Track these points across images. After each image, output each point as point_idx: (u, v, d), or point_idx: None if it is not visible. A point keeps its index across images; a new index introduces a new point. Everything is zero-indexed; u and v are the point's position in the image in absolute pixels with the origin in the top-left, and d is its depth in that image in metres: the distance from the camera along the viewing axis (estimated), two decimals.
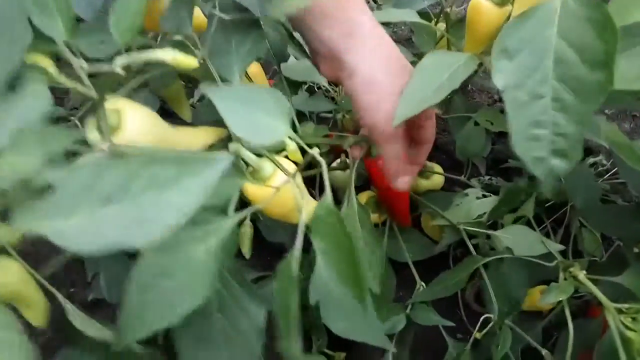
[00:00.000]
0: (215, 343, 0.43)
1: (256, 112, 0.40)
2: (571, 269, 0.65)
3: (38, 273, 0.45)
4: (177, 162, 0.25)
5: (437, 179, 0.90)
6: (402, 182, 0.59)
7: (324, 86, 0.86)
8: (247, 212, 0.43)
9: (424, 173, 0.89)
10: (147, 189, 0.24)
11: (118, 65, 0.37)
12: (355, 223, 0.58)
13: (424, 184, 0.89)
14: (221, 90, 0.41)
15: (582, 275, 0.64)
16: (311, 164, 0.50)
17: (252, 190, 0.49)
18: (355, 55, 0.53)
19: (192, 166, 0.25)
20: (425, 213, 0.90)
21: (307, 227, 0.42)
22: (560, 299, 0.63)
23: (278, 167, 0.48)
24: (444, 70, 0.55)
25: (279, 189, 0.46)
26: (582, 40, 0.37)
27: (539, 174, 0.40)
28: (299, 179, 0.55)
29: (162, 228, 0.23)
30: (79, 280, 0.89)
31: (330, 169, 0.84)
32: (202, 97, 1.01)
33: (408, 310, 0.71)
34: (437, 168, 0.91)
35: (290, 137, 0.44)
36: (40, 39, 0.39)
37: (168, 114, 0.93)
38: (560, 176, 0.40)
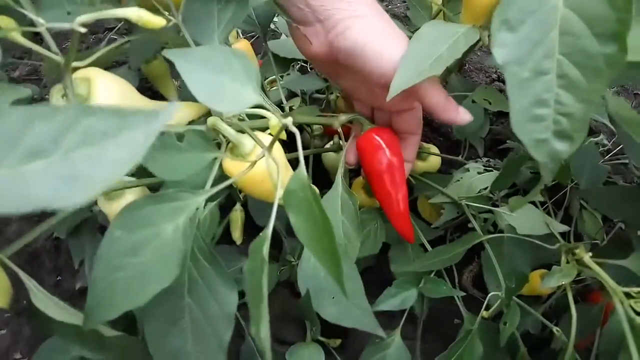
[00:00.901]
0: (182, 329, 0.41)
1: (222, 77, 0.37)
2: (576, 252, 0.63)
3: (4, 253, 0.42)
4: (116, 115, 0.22)
5: (434, 161, 0.87)
6: (461, 112, 0.57)
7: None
8: (219, 188, 0.41)
9: (420, 154, 0.86)
10: (82, 143, 0.21)
11: (80, 22, 0.33)
12: (337, 206, 0.55)
13: (421, 165, 0.86)
14: (184, 52, 0.37)
15: (587, 257, 0.62)
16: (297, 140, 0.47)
17: (228, 165, 0.47)
18: (351, 4, 0.50)
19: (133, 119, 0.22)
20: (421, 196, 0.87)
21: None
22: (563, 282, 0.61)
23: (255, 140, 0.45)
24: (444, 40, 0.51)
25: (254, 163, 0.44)
26: (592, 8, 0.34)
27: (539, 157, 0.37)
28: (278, 153, 0.52)
29: (97, 185, 0.20)
30: (67, 268, 0.87)
31: (323, 150, 0.81)
32: None
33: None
34: (434, 149, 0.88)
35: (261, 106, 0.41)
36: None
37: (156, 96, 0.90)
38: (562, 160, 0.37)
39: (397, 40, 0.52)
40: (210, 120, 0.44)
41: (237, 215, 0.82)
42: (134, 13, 0.34)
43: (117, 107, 0.22)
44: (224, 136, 0.46)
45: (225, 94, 0.37)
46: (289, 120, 0.38)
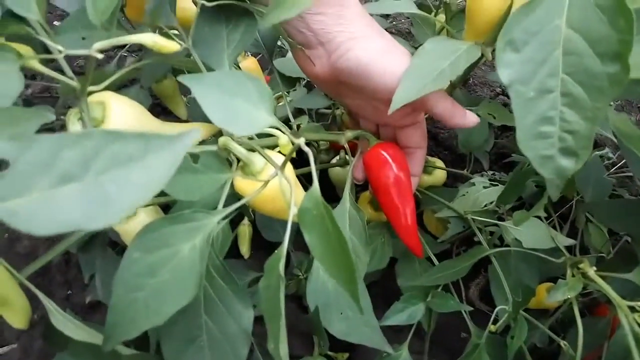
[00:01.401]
0: (200, 346, 0.42)
1: (236, 100, 0.38)
2: (580, 266, 0.63)
3: (23, 273, 0.43)
4: (141, 139, 0.23)
5: (440, 175, 0.88)
6: (468, 116, 0.58)
7: None
8: (233, 208, 0.41)
9: (426, 168, 0.87)
10: (110, 167, 0.22)
11: (96, 48, 0.35)
12: (345, 222, 0.56)
13: (426, 179, 0.87)
14: (199, 77, 0.39)
15: (592, 271, 0.62)
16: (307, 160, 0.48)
17: (240, 184, 0.48)
18: (351, 26, 0.51)
19: (157, 142, 0.23)
20: (427, 210, 0.88)
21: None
22: (569, 296, 0.61)
23: (267, 160, 0.46)
24: (446, 56, 0.52)
25: (267, 183, 0.45)
26: (594, 29, 0.35)
27: (546, 173, 0.38)
28: (289, 172, 0.53)
29: (125, 208, 0.21)
30: (77, 282, 0.88)
31: (329, 165, 0.82)
32: None
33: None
34: (439, 163, 0.88)
35: (274, 128, 0.42)
36: (12, 19, 0.37)
37: (165, 111, 0.92)
38: (568, 176, 0.37)
39: (400, 56, 0.53)
40: (221, 140, 0.45)
41: (245, 229, 0.82)
42: (149, 39, 0.35)
43: (141, 132, 0.23)
44: (235, 155, 0.47)
45: (240, 117, 0.38)
46: (301, 141, 0.39)
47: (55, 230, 0.20)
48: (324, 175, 0.89)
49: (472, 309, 0.71)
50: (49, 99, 0.96)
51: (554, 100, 0.37)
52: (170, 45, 0.36)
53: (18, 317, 0.41)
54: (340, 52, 0.52)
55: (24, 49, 0.39)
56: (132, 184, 0.22)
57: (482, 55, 0.67)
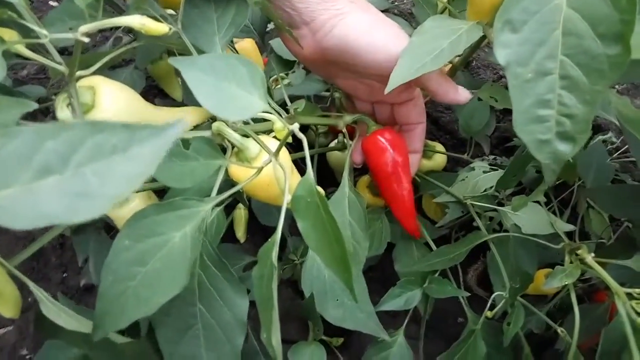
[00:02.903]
0: (195, 335, 0.41)
1: (228, 84, 0.37)
2: (578, 252, 0.62)
3: (16, 259, 0.43)
4: (125, 129, 0.22)
5: (440, 159, 0.87)
6: (460, 92, 0.56)
7: None
8: (226, 195, 0.41)
9: (426, 153, 0.86)
10: (92, 158, 0.21)
11: (82, 31, 0.34)
12: (344, 208, 0.55)
13: (426, 164, 0.86)
14: (190, 60, 0.37)
15: (589, 258, 0.62)
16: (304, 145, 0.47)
17: (234, 170, 0.47)
18: (335, 4, 0.50)
19: (142, 133, 0.22)
20: (426, 195, 0.87)
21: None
22: (566, 282, 0.60)
23: (261, 145, 0.45)
24: (446, 35, 0.51)
25: (261, 169, 0.44)
26: (595, 9, 0.33)
27: (542, 158, 0.37)
28: (284, 158, 0.52)
29: (108, 200, 0.20)
30: (72, 265, 0.88)
31: (328, 149, 0.81)
32: None
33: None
34: (440, 147, 0.87)
35: (266, 112, 0.41)
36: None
37: (161, 93, 0.90)
38: (564, 161, 0.36)
39: (389, 30, 0.51)
40: (215, 125, 0.44)
41: (240, 213, 0.82)
42: (137, 21, 0.34)
43: (126, 122, 0.22)
44: (229, 141, 0.46)
45: (232, 102, 0.36)
46: (295, 127, 0.38)
47: (34, 224, 0.20)
48: (322, 159, 0.88)
49: (469, 294, 0.70)
50: (44, 80, 0.95)
51: (552, 82, 0.35)
52: (159, 28, 0.35)
53: (8, 307, 0.41)
54: (325, 30, 0.51)
55: (9, 34, 0.38)
56: (115, 176, 0.21)
57: (485, 36, 0.65)
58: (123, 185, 0.21)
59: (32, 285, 0.38)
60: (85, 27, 0.33)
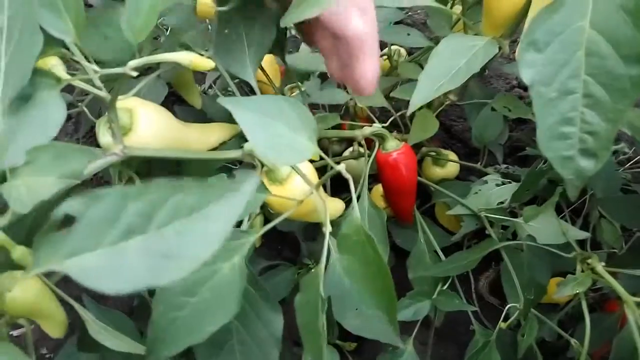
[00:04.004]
0: (231, 351, 0.43)
1: (280, 128, 0.37)
2: (589, 261, 0.63)
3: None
4: (202, 189, 0.23)
5: (452, 168, 0.88)
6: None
7: None
8: (269, 227, 0.42)
9: (439, 161, 0.87)
10: (172, 219, 0.22)
11: (131, 67, 0.35)
12: (364, 222, 0.56)
13: (439, 172, 0.87)
14: (241, 103, 0.38)
15: (600, 267, 0.63)
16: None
17: (273, 201, 0.48)
18: None
19: (217, 192, 0.23)
20: (439, 203, 0.88)
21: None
22: (577, 291, 0.61)
23: (299, 174, 0.46)
24: (462, 54, 0.52)
25: (302, 202, 0.45)
26: (617, 31, 0.34)
27: (565, 174, 0.38)
28: (311, 173, 0.54)
29: (189, 261, 0.21)
30: None
31: (343, 158, 0.82)
32: (212, 85, 0.99)
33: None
34: (452, 156, 0.88)
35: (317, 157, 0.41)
36: (49, 42, 0.36)
37: (180, 100, 0.92)
38: (587, 177, 0.38)
39: None
40: (247, 146, 0.45)
41: (256, 220, 0.83)
42: (186, 58, 0.35)
43: (202, 182, 0.23)
44: (259, 160, 0.47)
45: (285, 146, 0.37)
46: (342, 167, 0.40)
47: (126, 288, 0.21)
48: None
49: (476, 309, 0.72)
50: (65, 87, 0.96)
51: (575, 101, 0.37)
52: (205, 64, 0.36)
53: (56, 328, 0.42)
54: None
55: (53, 61, 0.39)
56: (194, 236, 0.22)
57: (500, 48, 0.67)
58: (202, 245, 0.21)
59: (77, 306, 0.39)
60: (134, 63, 0.34)
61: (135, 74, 0.36)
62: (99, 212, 0.23)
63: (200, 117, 0.80)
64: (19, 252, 0.33)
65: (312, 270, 0.40)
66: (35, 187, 0.29)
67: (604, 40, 0.35)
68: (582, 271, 0.65)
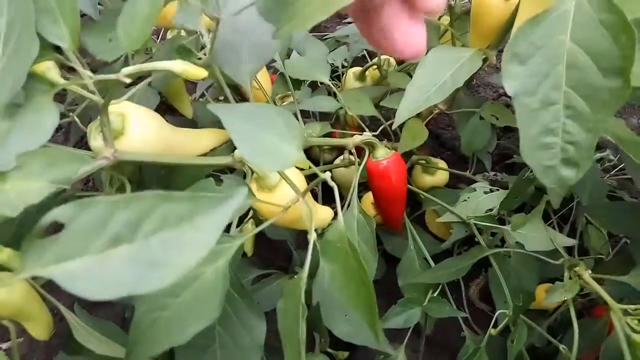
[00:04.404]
0: (213, 356, 0.43)
1: (266, 135, 0.38)
2: (576, 268, 0.65)
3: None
4: (190, 200, 0.23)
5: (442, 175, 0.89)
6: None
7: (325, 83, 0.84)
8: (254, 232, 0.42)
9: (428, 169, 0.88)
10: (159, 228, 0.23)
11: (125, 74, 0.36)
12: (353, 230, 0.57)
13: (429, 180, 0.88)
14: (228, 108, 0.39)
15: (587, 275, 0.64)
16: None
17: (261, 207, 0.49)
18: None
19: (205, 203, 0.23)
20: (429, 210, 0.89)
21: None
22: (565, 298, 0.62)
23: (287, 182, 0.47)
24: (448, 66, 0.53)
25: (288, 208, 0.46)
26: (597, 45, 0.35)
27: (548, 182, 0.39)
28: (298, 180, 0.54)
29: (176, 270, 0.22)
30: None
31: (333, 166, 0.83)
32: (203, 94, 1.00)
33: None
34: (442, 164, 0.89)
35: (301, 164, 0.42)
36: (45, 48, 0.37)
37: (170, 109, 0.92)
38: (569, 186, 0.38)
39: None
40: (237, 153, 0.46)
41: (248, 228, 0.83)
42: (179, 67, 0.36)
43: (191, 193, 0.23)
44: (250, 167, 0.48)
45: (270, 151, 0.37)
46: (327, 175, 0.40)
47: (109, 295, 0.21)
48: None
49: (466, 315, 0.73)
50: (57, 96, 0.96)
51: (557, 112, 0.38)
52: (198, 73, 0.37)
53: (41, 330, 0.42)
54: None
55: (47, 65, 0.40)
56: (181, 245, 0.22)
57: (486, 58, 0.68)
58: (189, 254, 0.22)
59: (64, 309, 0.40)
60: (127, 70, 0.35)
61: (128, 80, 0.37)
62: (87, 220, 0.23)
63: (191, 126, 0.80)
64: (5, 254, 0.33)
65: (296, 276, 0.40)
66: (24, 192, 0.30)
67: (584, 53, 0.36)
68: (570, 278, 0.66)
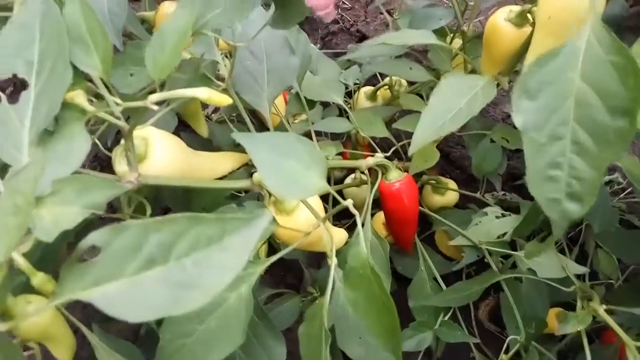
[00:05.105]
0: None
1: (290, 163, 0.39)
2: (591, 303, 0.64)
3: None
4: (219, 222, 0.24)
5: (452, 196, 0.90)
6: None
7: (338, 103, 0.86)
8: (276, 257, 0.43)
9: (438, 190, 0.89)
10: (191, 250, 0.24)
11: (153, 101, 0.37)
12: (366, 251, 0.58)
13: (439, 200, 0.89)
14: (254, 139, 0.40)
15: (602, 310, 0.63)
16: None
17: (281, 233, 0.50)
18: None
19: (234, 224, 0.24)
20: (439, 230, 0.89)
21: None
22: (579, 329, 0.62)
23: (306, 206, 0.48)
24: (462, 94, 0.54)
25: (309, 234, 0.47)
26: (606, 85, 0.36)
27: (552, 215, 0.39)
28: (317, 204, 0.55)
29: (207, 292, 0.23)
30: None
31: (344, 186, 0.84)
32: (217, 109, 1.02)
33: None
34: (452, 185, 0.90)
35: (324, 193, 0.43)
36: (76, 76, 0.39)
37: (186, 128, 0.94)
38: (572, 219, 0.39)
39: None
40: (256, 176, 0.47)
41: (261, 248, 0.85)
42: (204, 94, 0.37)
43: (220, 215, 0.24)
44: (267, 191, 0.49)
45: (294, 181, 0.38)
46: (349, 202, 0.42)
47: (145, 317, 0.22)
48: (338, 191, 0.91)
49: (478, 341, 0.73)
50: None
51: (564, 146, 0.38)
52: (222, 100, 0.38)
53: (64, 352, 0.43)
54: None
55: (75, 93, 0.41)
56: (212, 266, 0.23)
57: (498, 83, 0.69)
58: (220, 275, 0.23)
59: (85, 330, 0.41)
60: (155, 97, 0.37)
61: (156, 107, 0.38)
62: (122, 243, 0.24)
63: (207, 144, 0.82)
64: (38, 278, 0.34)
65: (317, 301, 0.41)
66: (60, 217, 0.31)
67: (593, 91, 0.37)
68: (583, 308, 0.66)
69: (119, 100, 0.39)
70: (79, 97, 0.40)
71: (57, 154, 0.34)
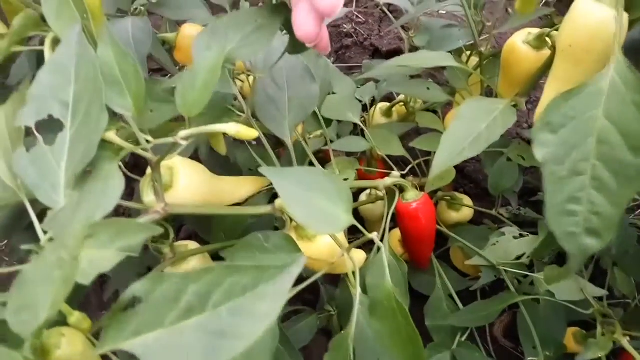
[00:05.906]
0: None
1: (317, 198, 0.40)
2: (613, 331, 0.64)
3: None
4: (254, 271, 0.25)
5: (467, 212, 0.90)
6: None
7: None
8: (302, 287, 0.44)
9: (453, 206, 0.89)
10: (227, 299, 0.25)
11: (181, 137, 0.39)
12: (384, 272, 0.59)
13: (454, 216, 0.90)
14: (282, 175, 0.41)
15: (625, 342, 0.63)
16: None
17: (310, 263, 0.51)
18: None
19: (268, 273, 0.25)
20: (455, 246, 0.90)
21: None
22: (600, 355, 0.62)
23: (335, 242, 0.49)
24: (483, 118, 0.55)
25: (334, 263, 0.48)
26: (628, 124, 0.37)
27: (569, 249, 0.40)
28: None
29: (245, 340, 0.23)
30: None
31: (360, 204, 0.85)
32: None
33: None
34: (467, 200, 0.91)
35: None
36: (110, 117, 0.40)
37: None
38: (590, 254, 0.40)
39: None
40: (278, 202, 0.48)
41: None
42: (233, 129, 0.38)
43: (255, 265, 0.25)
44: (289, 216, 0.50)
45: (322, 215, 0.39)
46: (374, 236, 0.43)
47: None
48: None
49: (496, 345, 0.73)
50: None
51: (584, 182, 0.39)
52: (250, 134, 0.39)
53: None
54: None
55: (110, 133, 0.43)
56: (247, 314, 0.24)
57: (515, 105, 0.69)
58: (255, 324, 0.24)
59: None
60: (184, 133, 0.38)
61: (185, 143, 0.40)
62: (161, 293, 0.25)
63: (225, 161, 0.83)
64: (75, 317, 0.36)
65: (342, 332, 0.41)
66: (96, 260, 0.32)
67: (615, 130, 0.38)
68: (603, 334, 0.66)
69: (150, 138, 0.41)
70: (114, 136, 0.41)
71: (93, 196, 0.35)
